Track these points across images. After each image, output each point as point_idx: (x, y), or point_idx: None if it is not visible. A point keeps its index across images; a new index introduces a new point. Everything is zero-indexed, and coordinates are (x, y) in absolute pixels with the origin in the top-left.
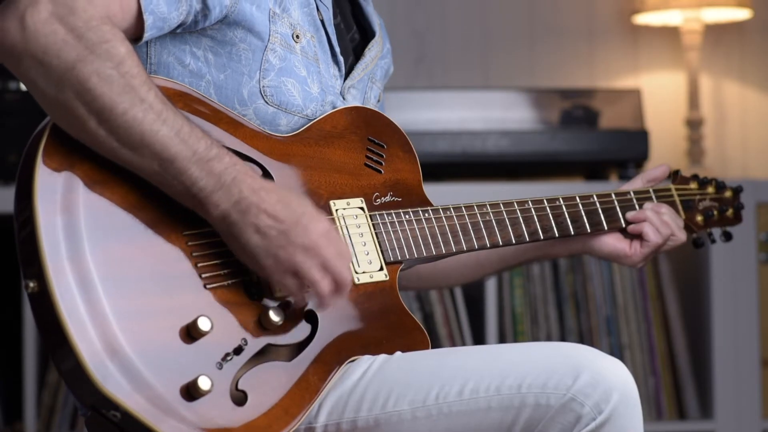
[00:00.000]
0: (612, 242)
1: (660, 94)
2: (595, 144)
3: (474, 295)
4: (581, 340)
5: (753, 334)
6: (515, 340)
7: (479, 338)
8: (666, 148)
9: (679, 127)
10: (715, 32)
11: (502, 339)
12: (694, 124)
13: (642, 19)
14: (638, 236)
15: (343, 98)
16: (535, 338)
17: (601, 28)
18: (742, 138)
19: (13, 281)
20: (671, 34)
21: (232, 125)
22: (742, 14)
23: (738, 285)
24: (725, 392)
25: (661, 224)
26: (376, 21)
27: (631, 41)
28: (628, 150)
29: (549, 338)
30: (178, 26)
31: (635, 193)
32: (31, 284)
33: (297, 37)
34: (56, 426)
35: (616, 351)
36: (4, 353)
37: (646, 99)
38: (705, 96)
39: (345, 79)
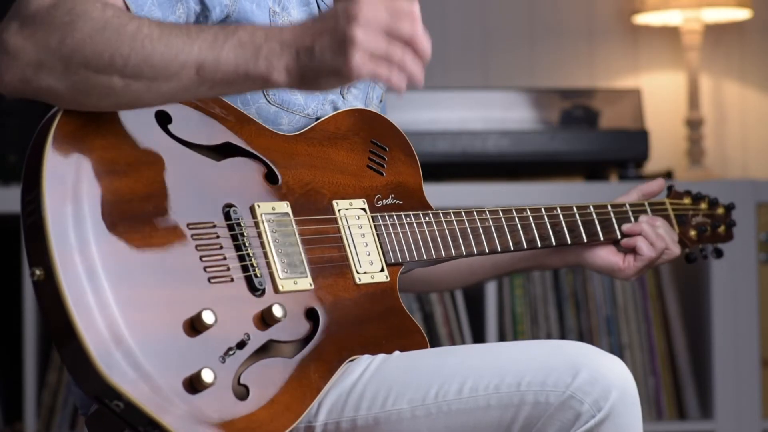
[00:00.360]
0: (606, 255)
1: (660, 94)
2: (595, 144)
3: (474, 295)
4: (581, 339)
5: (753, 334)
6: (515, 339)
7: (479, 338)
8: (666, 148)
9: (679, 127)
10: (715, 32)
11: (502, 339)
12: (694, 124)
13: (642, 19)
14: (632, 250)
15: (343, 97)
16: (535, 338)
17: (601, 28)
18: (742, 138)
19: (12, 281)
20: (671, 34)
21: (239, 122)
22: (742, 14)
23: (738, 285)
24: (725, 392)
25: (656, 238)
26: None
27: (631, 41)
28: (628, 150)
29: (549, 338)
30: None
31: (631, 206)
32: (38, 272)
33: None
34: (56, 426)
35: (616, 351)
36: (4, 353)
37: (646, 99)
38: (705, 96)
39: None
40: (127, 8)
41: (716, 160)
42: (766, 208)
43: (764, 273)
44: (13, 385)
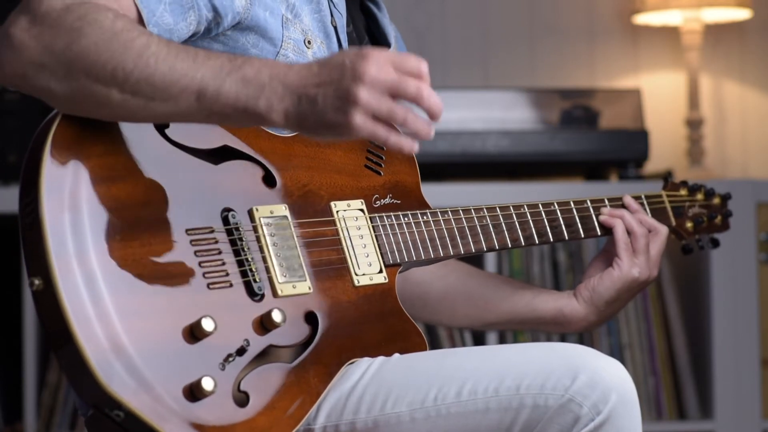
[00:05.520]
0: (559, 304)
1: (660, 94)
2: (595, 144)
3: None
4: (581, 340)
5: (753, 334)
6: (515, 341)
7: (479, 338)
8: (666, 148)
9: (679, 127)
10: (715, 32)
11: (502, 339)
12: (694, 124)
13: (642, 19)
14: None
15: None
16: (535, 338)
17: (601, 28)
18: (742, 138)
19: (12, 281)
20: (671, 34)
21: None
22: (742, 14)
23: (738, 285)
24: (725, 392)
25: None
26: (391, 32)
27: (631, 41)
28: (628, 150)
29: (549, 338)
30: (191, 37)
31: None
32: (36, 282)
33: (308, 42)
34: (56, 426)
35: (616, 351)
36: (4, 354)
37: (646, 99)
38: (705, 96)
39: None
40: (139, 14)
41: (716, 160)
42: (766, 208)
43: (764, 273)
44: (13, 385)
